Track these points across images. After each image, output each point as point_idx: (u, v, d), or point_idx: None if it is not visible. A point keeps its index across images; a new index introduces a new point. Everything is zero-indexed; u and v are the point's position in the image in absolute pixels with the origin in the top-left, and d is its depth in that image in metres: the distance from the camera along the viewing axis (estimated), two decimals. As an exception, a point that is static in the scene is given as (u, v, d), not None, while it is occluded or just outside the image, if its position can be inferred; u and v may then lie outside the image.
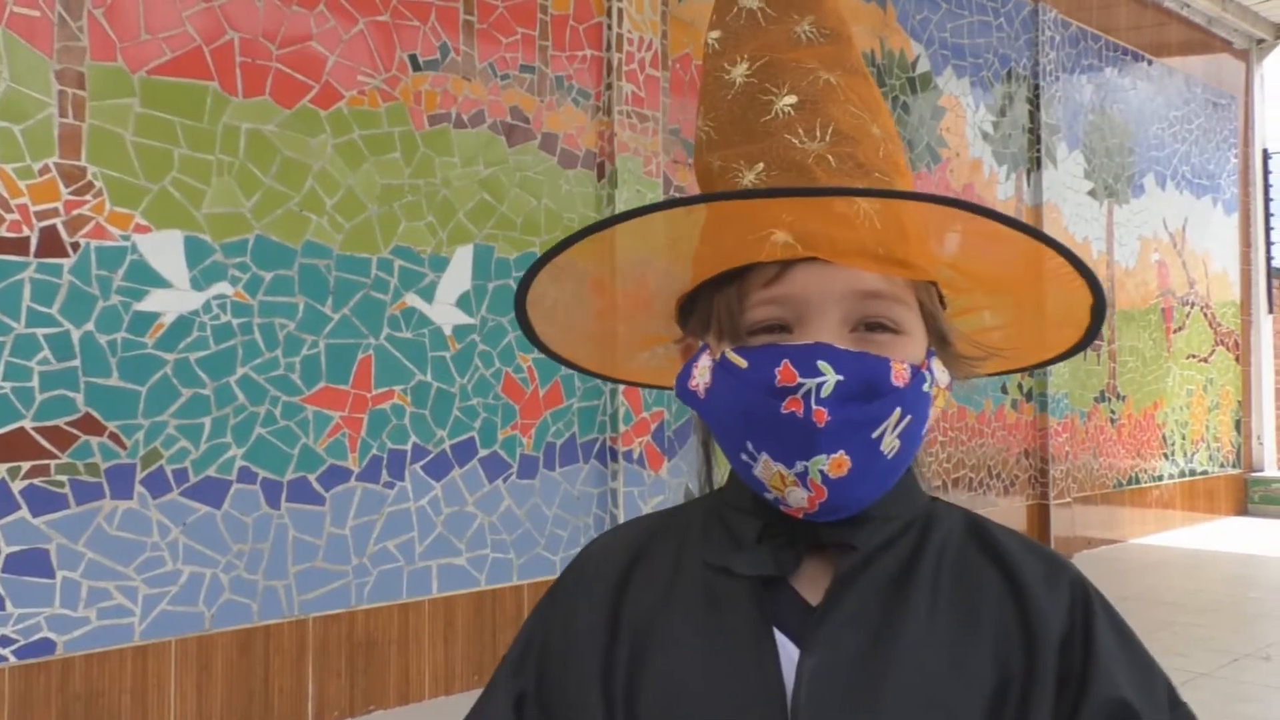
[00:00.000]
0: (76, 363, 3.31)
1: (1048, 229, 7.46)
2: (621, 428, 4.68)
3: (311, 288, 3.83)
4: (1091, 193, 8.15)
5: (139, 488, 3.42)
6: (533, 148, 4.51)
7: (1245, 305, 10.20)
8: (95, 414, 3.34)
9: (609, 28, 4.82)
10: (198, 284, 3.56)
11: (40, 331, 3.25)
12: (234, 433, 3.62)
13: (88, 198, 3.35)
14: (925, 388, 0.83)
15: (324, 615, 3.82)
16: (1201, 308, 9.50)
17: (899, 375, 0.80)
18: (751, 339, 0.82)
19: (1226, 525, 9.18)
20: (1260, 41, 10.20)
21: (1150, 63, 8.91)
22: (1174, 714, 0.85)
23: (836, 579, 0.83)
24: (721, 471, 0.96)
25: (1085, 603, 0.86)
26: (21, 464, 3.21)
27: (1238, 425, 9.99)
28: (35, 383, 3.24)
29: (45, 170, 3.28)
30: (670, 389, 0.94)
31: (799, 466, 0.79)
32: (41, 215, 3.27)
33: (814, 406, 0.77)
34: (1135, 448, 8.53)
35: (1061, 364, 7.40)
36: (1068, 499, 7.53)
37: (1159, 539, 8.35)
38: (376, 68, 4.05)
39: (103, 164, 3.38)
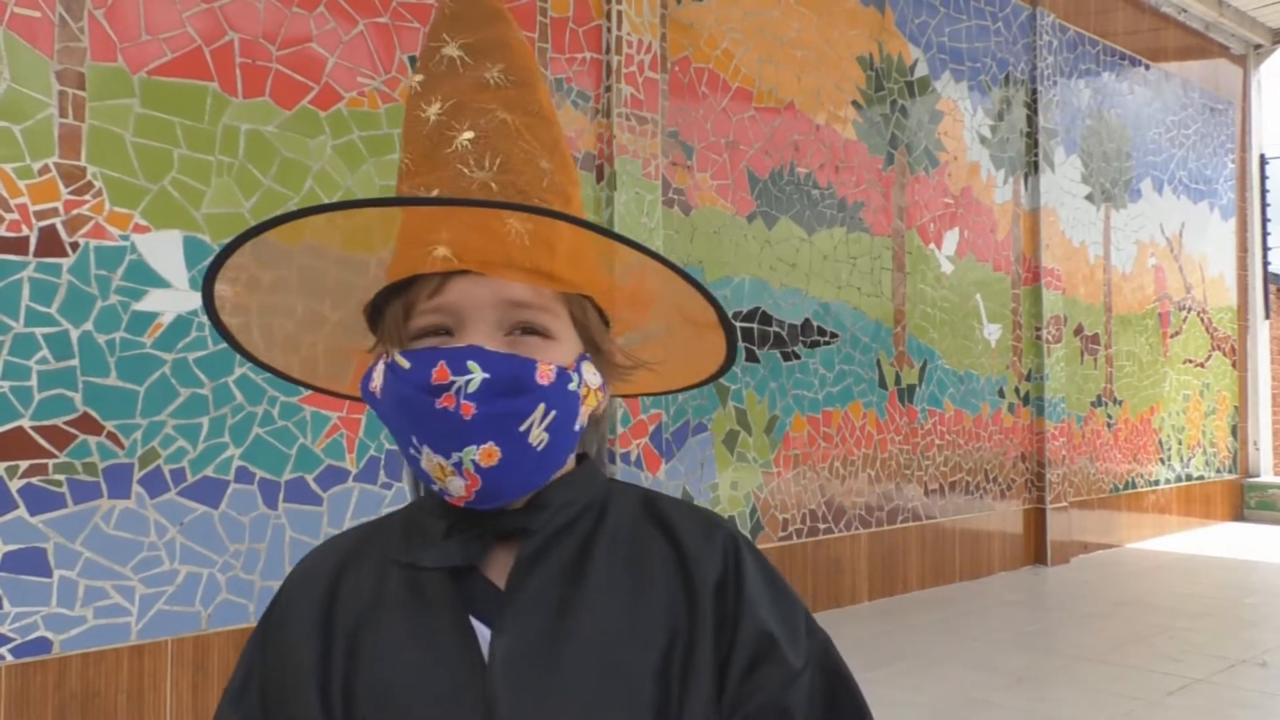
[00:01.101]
0: (75, 362, 3.31)
1: (1045, 233, 7.48)
2: (619, 430, 4.69)
3: (310, 288, 3.82)
4: (1089, 197, 8.17)
5: (136, 487, 3.42)
6: (532, 150, 4.51)
7: (1242, 310, 10.22)
8: (93, 413, 3.34)
9: (608, 30, 4.83)
10: (196, 284, 3.57)
11: (39, 331, 3.25)
12: (232, 433, 3.63)
13: (87, 198, 3.35)
14: (571, 387, 0.92)
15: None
16: (1198, 313, 9.52)
17: (544, 375, 0.90)
18: (416, 343, 0.91)
19: (1223, 530, 9.19)
20: (1258, 47, 10.23)
21: (1148, 68, 8.93)
22: (810, 641, 0.96)
23: (518, 562, 0.93)
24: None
25: (736, 551, 0.97)
26: (19, 463, 3.21)
27: (1234, 430, 10.00)
28: (34, 382, 3.24)
29: (45, 170, 3.28)
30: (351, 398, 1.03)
31: (454, 457, 0.88)
32: (41, 215, 3.27)
33: (462, 401, 0.86)
34: (1132, 452, 8.54)
35: (1059, 368, 7.44)
36: (1064, 503, 7.54)
37: (1155, 544, 8.36)
38: (376, 69, 4.05)
39: (102, 164, 3.39)
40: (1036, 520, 7.38)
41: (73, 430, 3.31)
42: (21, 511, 3.21)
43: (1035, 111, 7.54)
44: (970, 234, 7.01)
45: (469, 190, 0.91)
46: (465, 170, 0.92)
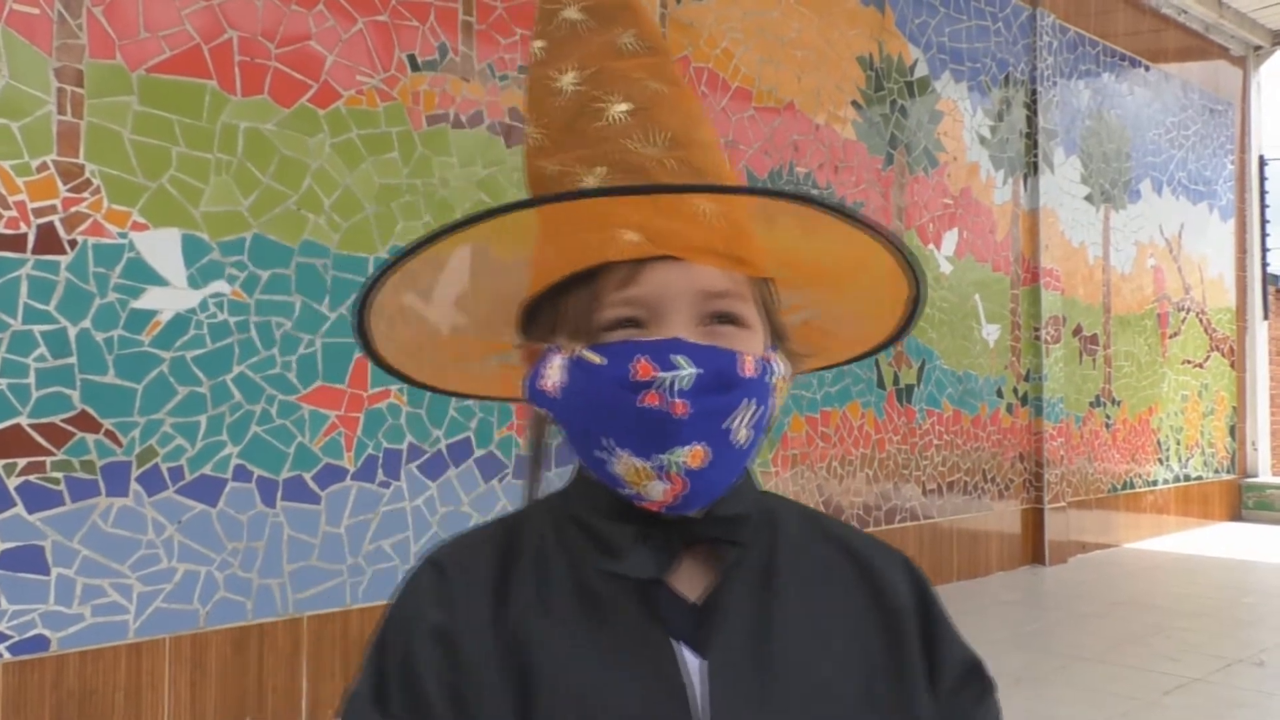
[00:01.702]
0: (73, 360, 3.31)
1: (1044, 233, 7.48)
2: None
3: (308, 287, 3.83)
4: (1088, 198, 8.17)
5: (134, 485, 3.42)
6: (531, 148, 4.51)
7: (1241, 311, 10.22)
8: (91, 411, 3.34)
9: (608, 29, 4.82)
10: (195, 282, 3.57)
11: (37, 328, 3.25)
12: (230, 431, 3.63)
13: (85, 195, 3.35)
14: (770, 379, 0.86)
15: (318, 614, 3.82)
16: (1197, 313, 9.52)
17: (747, 366, 0.83)
18: (606, 336, 0.84)
19: (1221, 531, 9.19)
20: (1257, 48, 10.23)
21: (1147, 68, 8.93)
22: (983, 668, 0.96)
23: (723, 574, 0.87)
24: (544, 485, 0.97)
25: (921, 580, 0.96)
26: (17, 460, 3.21)
27: (1232, 431, 10.01)
28: (31, 379, 3.24)
29: (43, 167, 3.28)
30: (495, 399, 0.95)
31: (658, 459, 0.80)
32: (39, 212, 3.27)
33: (673, 399, 0.79)
34: (1130, 453, 8.54)
35: (1057, 368, 7.44)
36: (1062, 503, 7.54)
37: (1153, 544, 8.37)
38: (375, 68, 4.05)
39: (101, 162, 3.39)
40: (1034, 520, 7.38)
41: (70, 428, 3.31)
42: (19, 509, 3.21)
43: (1035, 112, 7.54)
44: (969, 234, 7.01)
45: (644, 167, 0.85)
46: (632, 146, 0.85)
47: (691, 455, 0.80)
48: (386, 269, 0.87)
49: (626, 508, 0.86)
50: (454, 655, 0.83)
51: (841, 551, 0.95)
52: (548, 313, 0.88)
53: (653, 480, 0.81)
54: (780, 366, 0.89)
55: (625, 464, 0.82)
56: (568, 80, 0.89)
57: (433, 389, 1.04)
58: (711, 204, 0.83)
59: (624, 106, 0.87)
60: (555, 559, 0.88)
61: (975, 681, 0.94)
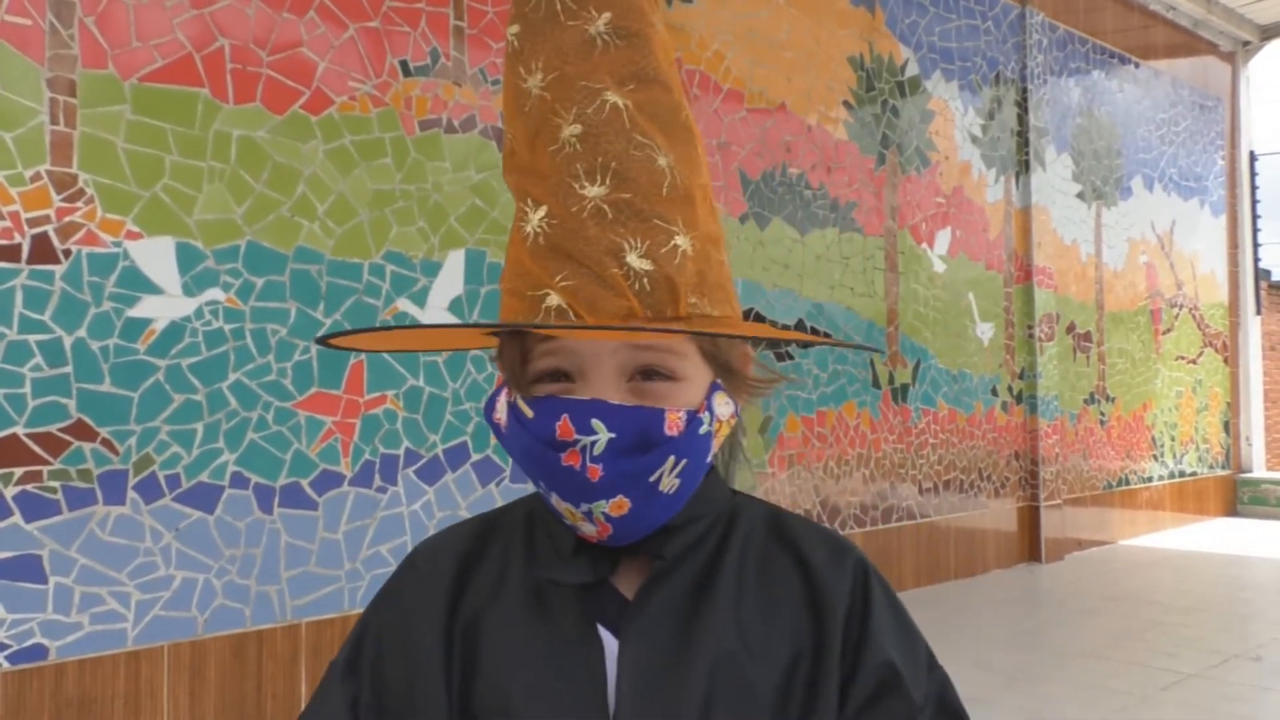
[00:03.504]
0: (69, 369, 3.31)
1: (1036, 231, 7.51)
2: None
3: (303, 293, 3.83)
4: (1080, 195, 8.19)
5: (131, 493, 3.42)
6: (523, 153, 4.52)
7: (1233, 307, 10.25)
8: (87, 420, 3.34)
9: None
10: (189, 290, 3.57)
11: (32, 338, 3.25)
12: (226, 438, 3.63)
13: (79, 204, 3.35)
14: (702, 430, 0.87)
15: (317, 620, 3.82)
16: (1190, 309, 9.55)
17: (673, 425, 0.85)
18: (536, 387, 0.87)
19: (1216, 526, 9.22)
20: (1246, 44, 10.26)
21: (1137, 65, 8.96)
22: (930, 676, 0.93)
23: (647, 580, 0.90)
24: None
25: (865, 578, 0.95)
26: (14, 470, 3.21)
27: (1226, 426, 10.03)
28: (27, 389, 3.24)
29: (37, 177, 3.28)
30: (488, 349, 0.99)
31: (583, 508, 0.85)
32: (33, 222, 3.27)
33: (588, 464, 0.83)
34: (1125, 449, 8.56)
35: (1051, 366, 7.44)
36: (1058, 501, 7.55)
37: (1149, 540, 8.39)
38: (367, 74, 4.06)
39: (94, 171, 3.39)
40: (1030, 518, 7.40)
41: (67, 437, 3.31)
42: (16, 518, 3.21)
43: (1026, 110, 7.56)
44: (962, 233, 7.02)
45: (580, 217, 0.84)
46: (575, 185, 0.85)
47: (614, 506, 0.84)
48: (347, 334, 0.89)
49: None
50: (407, 640, 0.92)
51: (790, 552, 0.95)
52: (500, 346, 0.92)
53: (583, 521, 0.86)
54: (721, 409, 0.90)
55: (559, 504, 0.86)
56: (534, 82, 0.89)
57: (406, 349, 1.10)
58: (640, 261, 0.83)
59: (576, 130, 0.86)
60: (516, 557, 0.95)
61: (891, 698, 0.90)
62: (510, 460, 4.37)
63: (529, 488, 4.77)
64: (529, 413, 0.85)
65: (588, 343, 0.85)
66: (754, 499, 1.00)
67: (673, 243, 0.85)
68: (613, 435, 0.82)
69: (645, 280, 0.83)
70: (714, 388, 0.90)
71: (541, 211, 0.86)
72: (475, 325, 0.90)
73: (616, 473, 0.83)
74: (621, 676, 0.86)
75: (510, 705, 0.87)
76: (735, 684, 0.86)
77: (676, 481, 0.86)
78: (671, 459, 0.84)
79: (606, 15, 0.88)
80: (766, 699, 0.87)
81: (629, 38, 0.88)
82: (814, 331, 5.89)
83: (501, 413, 0.89)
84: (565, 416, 0.83)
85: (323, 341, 0.91)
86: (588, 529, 0.86)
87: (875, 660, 0.90)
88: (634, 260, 0.83)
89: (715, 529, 0.94)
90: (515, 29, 0.90)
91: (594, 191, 0.84)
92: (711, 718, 0.85)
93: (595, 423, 0.82)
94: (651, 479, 0.84)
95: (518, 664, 0.89)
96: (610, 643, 0.88)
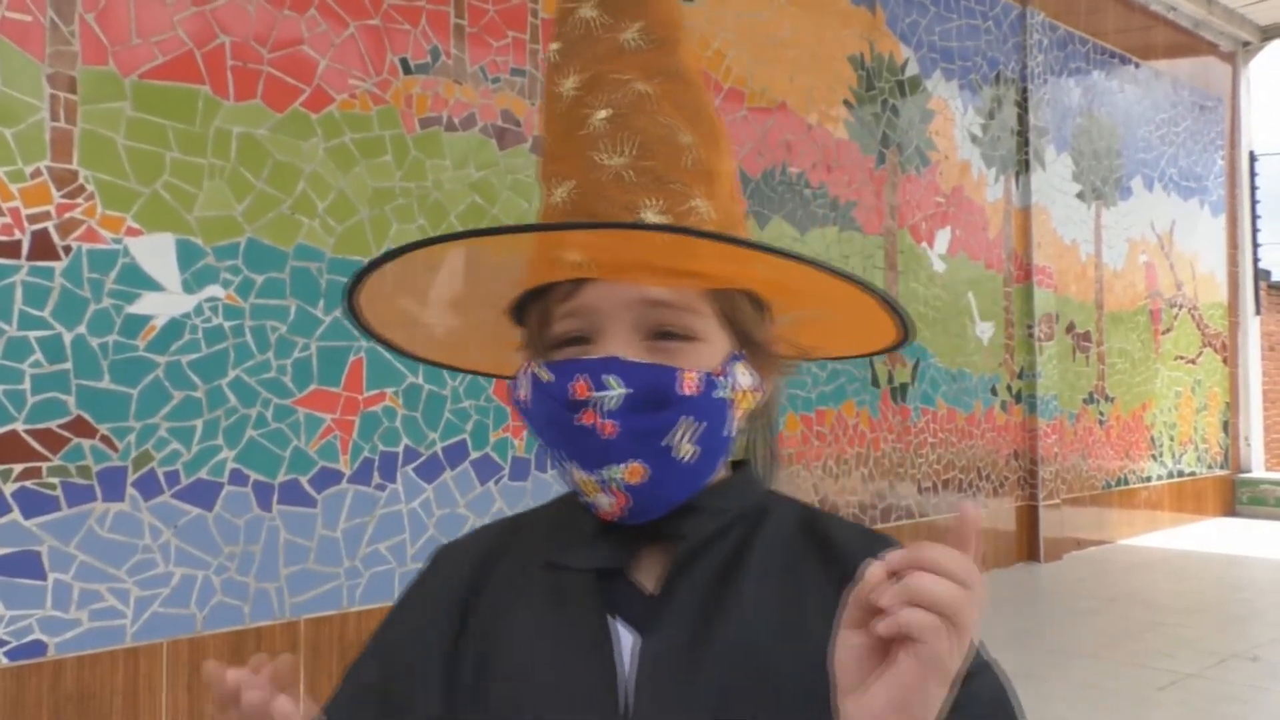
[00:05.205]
0: (68, 365, 3.31)
1: (1036, 231, 7.50)
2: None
3: (303, 290, 3.84)
4: (1080, 195, 8.19)
5: (130, 490, 3.43)
6: (524, 151, 4.53)
7: (1233, 307, 10.26)
8: (87, 416, 3.35)
9: (599, 31, 4.83)
10: (189, 287, 3.57)
11: (32, 334, 3.26)
12: (225, 435, 3.63)
13: (79, 201, 3.36)
14: (719, 394, 0.86)
15: (315, 617, 3.82)
16: (1189, 309, 9.55)
17: (688, 384, 0.84)
18: (556, 352, 0.87)
19: (1215, 526, 9.22)
20: (1246, 44, 10.26)
21: (1137, 65, 8.96)
22: (976, 660, 0.87)
23: (673, 568, 0.88)
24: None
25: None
26: (13, 466, 3.21)
27: (1225, 426, 10.04)
28: (27, 385, 3.24)
29: (37, 174, 3.28)
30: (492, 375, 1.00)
31: (599, 475, 0.84)
32: (33, 218, 3.27)
33: (603, 420, 0.82)
34: (1124, 449, 8.57)
35: (1051, 366, 7.46)
36: (1057, 500, 7.56)
37: (1147, 540, 8.39)
38: (368, 71, 4.06)
39: (94, 167, 3.39)
40: (1029, 517, 7.40)
41: (66, 433, 3.31)
42: (15, 515, 3.21)
43: (1026, 110, 7.56)
44: (962, 232, 7.03)
45: (601, 181, 0.86)
46: (598, 157, 0.87)
47: (629, 472, 0.84)
48: (378, 263, 0.89)
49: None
50: (417, 636, 0.93)
51: (820, 544, 0.93)
52: (524, 321, 0.93)
53: (599, 493, 0.85)
54: (744, 378, 0.89)
55: (577, 475, 0.86)
56: (568, 85, 0.91)
57: (447, 366, 1.09)
58: (658, 216, 0.84)
59: (604, 114, 0.88)
60: (538, 551, 0.94)
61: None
62: (510, 459, 4.38)
63: (528, 485, 4.77)
64: (548, 376, 0.85)
65: (605, 298, 0.85)
66: (791, 499, 0.98)
67: (691, 203, 0.87)
68: (627, 390, 0.82)
69: (660, 235, 0.84)
70: (734, 357, 0.89)
71: (568, 185, 0.88)
72: (508, 230, 0.88)
73: (630, 430, 0.82)
74: (640, 671, 0.85)
75: (521, 698, 0.87)
76: (758, 675, 0.84)
77: (694, 449, 0.85)
78: (686, 420, 0.84)
79: (639, 24, 0.91)
80: (795, 688, 0.83)
81: (658, 42, 0.91)
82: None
83: (524, 388, 0.89)
84: (582, 376, 0.83)
85: (349, 304, 0.93)
86: (605, 502, 0.85)
87: None
88: (650, 215, 0.85)
89: (742, 523, 0.92)
90: (556, 46, 0.93)
91: (616, 161, 0.86)
92: (732, 711, 0.83)
93: (610, 379, 0.83)
94: (665, 441, 0.84)
95: (530, 660, 0.88)
96: (626, 637, 0.87)
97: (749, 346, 0.91)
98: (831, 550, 0.91)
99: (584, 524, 0.91)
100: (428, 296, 0.97)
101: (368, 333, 0.99)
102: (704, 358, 0.86)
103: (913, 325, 0.94)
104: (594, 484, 0.85)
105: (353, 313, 0.96)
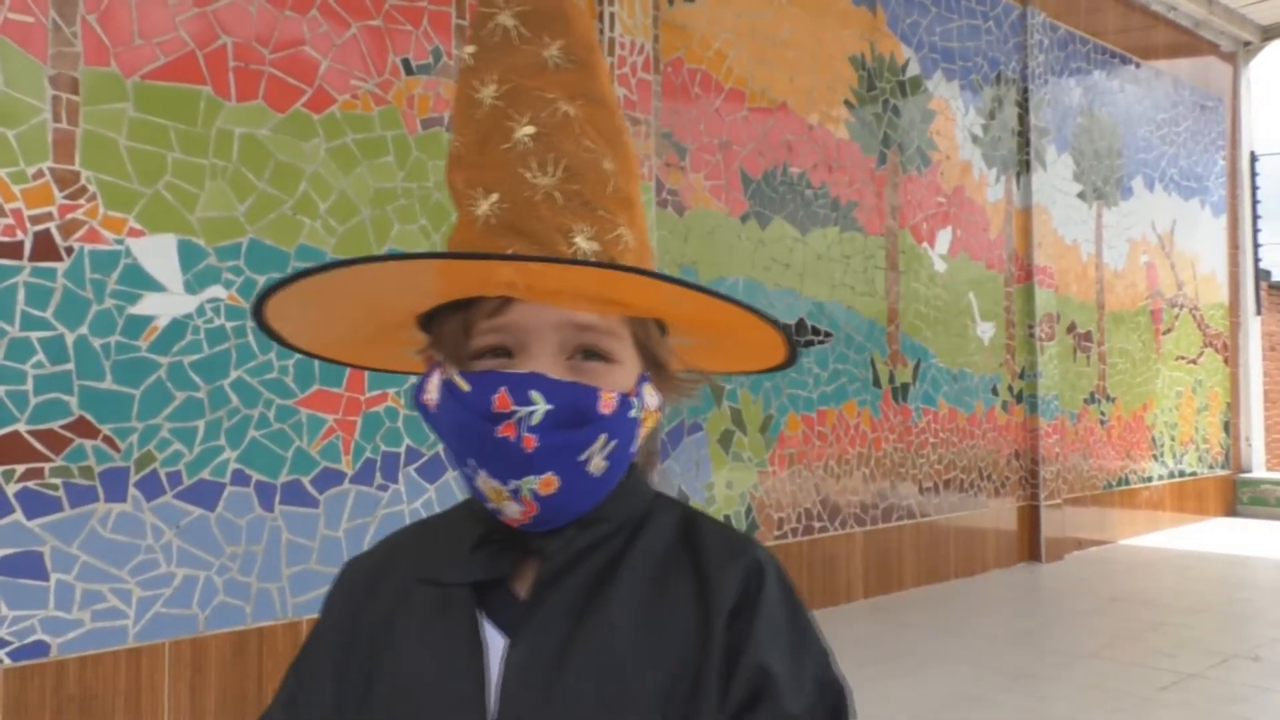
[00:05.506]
0: (70, 366, 3.32)
1: (1037, 231, 7.51)
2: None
3: (305, 291, 3.83)
4: (1081, 195, 8.20)
5: (133, 490, 3.43)
6: (525, 151, 4.52)
7: (1233, 307, 10.26)
8: (89, 417, 3.35)
9: (601, 32, 4.84)
10: (191, 287, 3.57)
11: (34, 335, 3.26)
12: (228, 435, 3.63)
13: (81, 202, 3.36)
14: (632, 414, 0.90)
15: (317, 618, 3.82)
16: (1190, 310, 9.55)
17: (606, 404, 0.88)
18: (475, 363, 0.89)
19: (1216, 526, 9.22)
20: (1247, 44, 10.26)
21: (1138, 65, 8.96)
22: (821, 689, 0.90)
23: (538, 580, 0.91)
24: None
25: (758, 580, 0.92)
26: (16, 467, 3.21)
27: (1226, 426, 10.04)
28: (29, 386, 3.25)
29: (39, 175, 3.28)
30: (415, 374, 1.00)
31: (512, 484, 0.86)
32: (35, 219, 3.27)
33: (524, 434, 0.84)
34: (1125, 449, 8.57)
35: (1052, 366, 7.46)
36: (1058, 500, 7.56)
37: (1148, 540, 8.39)
38: (369, 72, 4.06)
39: (96, 168, 3.39)
40: (1030, 517, 7.40)
41: (69, 434, 3.31)
42: (18, 515, 3.21)
43: (1026, 110, 7.56)
44: (963, 232, 7.03)
45: (532, 200, 0.88)
46: (527, 175, 0.89)
47: (543, 483, 0.86)
48: (279, 285, 0.90)
49: (489, 513, 0.92)
50: (319, 648, 0.99)
51: (690, 554, 0.94)
52: (437, 330, 0.93)
53: (509, 501, 0.87)
54: (650, 399, 0.93)
55: (486, 483, 0.87)
56: (488, 93, 0.92)
57: (346, 364, 1.11)
58: (588, 244, 0.87)
59: (529, 130, 0.90)
60: (426, 564, 0.97)
61: (763, 706, 0.87)
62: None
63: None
64: (465, 387, 0.87)
65: (533, 317, 0.87)
66: (675, 501, 1.01)
67: (617, 231, 0.90)
68: (550, 407, 0.85)
69: (592, 260, 0.87)
70: (643, 379, 0.93)
71: (493, 198, 0.89)
72: (424, 256, 0.87)
73: (550, 445, 0.85)
74: (506, 677, 0.87)
75: (404, 706, 0.90)
76: (620, 687, 0.86)
77: (605, 464, 0.88)
78: (603, 438, 0.87)
79: (560, 42, 0.93)
80: (651, 702, 0.86)
81: (579, 64, 0.94)
82: (814, 331, 5.90)
83: (433, 392, 0.91)
84: (503, 389, 0.85)
85: (257, 316, 0.94)
86: (512, 510, 0.87)
87: (751, 665, 0.87)
88: (582, 241, 0.87)
89: (621, 533, 0.94)
90: (471, 49, 0.95)
91: (545, 181, 0.88)
92: (591, 719, 0.86)
93: (534, 394, 0.85)
94: (582, 457, 0.87)
95: (411, 668, 0.91)
96: (498, 643, 0.90)
97: (653, 368, 0.95)
98: (699, 557, 0.94)
99: (466, 536, 0.94)
100: (337, 305, 0.98)
101: (275, 337, 1.00)
102: (620, 379, 0.90)
103: (797, 346, 1.01)
104: (505, 493, 0.87)
105: (261, 316, 0.97)
